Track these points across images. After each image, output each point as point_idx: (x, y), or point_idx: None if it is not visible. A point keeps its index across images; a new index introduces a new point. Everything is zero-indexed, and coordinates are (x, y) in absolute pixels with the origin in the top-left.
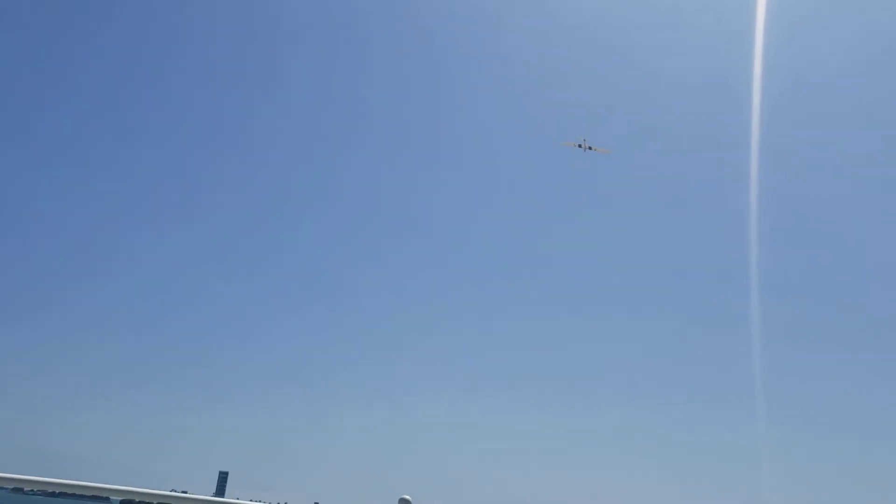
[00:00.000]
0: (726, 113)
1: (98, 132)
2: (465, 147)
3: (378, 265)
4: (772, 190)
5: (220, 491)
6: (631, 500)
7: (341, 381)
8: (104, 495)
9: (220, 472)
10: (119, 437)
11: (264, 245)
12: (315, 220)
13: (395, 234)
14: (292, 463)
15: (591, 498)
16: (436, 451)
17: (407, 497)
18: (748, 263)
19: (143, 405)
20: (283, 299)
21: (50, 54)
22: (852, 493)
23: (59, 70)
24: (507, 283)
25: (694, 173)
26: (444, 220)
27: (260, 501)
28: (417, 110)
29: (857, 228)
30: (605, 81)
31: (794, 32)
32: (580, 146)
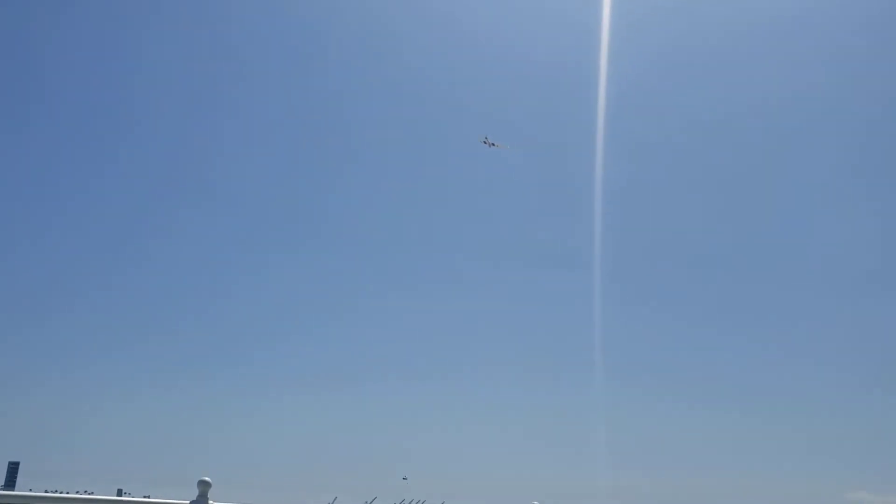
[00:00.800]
0: (575, 113)
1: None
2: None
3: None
4: (614, 180)
5: (11, 482)
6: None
7: (130, 360)
8: None
9: (10, 463)
10: None
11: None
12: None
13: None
14: (94, 450)
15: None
16: (239, 431)
17: (206, 479)
18: (592, 247)
19: None
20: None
21: None
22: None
23: None
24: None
25: (547, 166)
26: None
27: (56, 491)
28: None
29: (690, 219)
30: (475, 86)
31: (634, 32)
32: (485, 142)
